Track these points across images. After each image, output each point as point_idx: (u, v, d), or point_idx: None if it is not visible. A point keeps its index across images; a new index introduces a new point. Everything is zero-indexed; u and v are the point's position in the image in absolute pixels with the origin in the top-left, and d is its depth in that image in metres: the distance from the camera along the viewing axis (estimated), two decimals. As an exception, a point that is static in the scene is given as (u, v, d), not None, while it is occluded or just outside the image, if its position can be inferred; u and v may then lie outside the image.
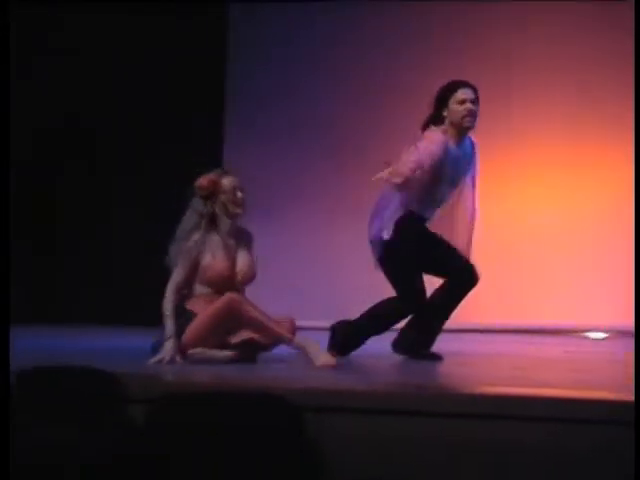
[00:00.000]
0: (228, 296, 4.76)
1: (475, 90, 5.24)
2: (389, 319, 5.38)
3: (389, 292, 5.28)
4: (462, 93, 5.16)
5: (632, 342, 6.88)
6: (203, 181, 4.96)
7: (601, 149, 8.04)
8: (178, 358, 4.70)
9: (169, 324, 4.77)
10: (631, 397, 3.34)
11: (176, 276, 4.89)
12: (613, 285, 7.81)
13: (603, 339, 7.50)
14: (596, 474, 3.01)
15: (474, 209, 5.46)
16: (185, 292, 4.94)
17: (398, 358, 5.23)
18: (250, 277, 5.06)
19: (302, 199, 8.43)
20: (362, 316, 5.34)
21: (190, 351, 4.77)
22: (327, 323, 5.50)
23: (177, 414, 2.13)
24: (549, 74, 8.20)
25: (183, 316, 4.82)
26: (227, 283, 4.92)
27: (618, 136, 7.93)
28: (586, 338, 7.53)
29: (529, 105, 8.15)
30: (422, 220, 5.30)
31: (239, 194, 4.96)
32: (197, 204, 4.97)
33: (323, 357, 4.76)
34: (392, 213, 5.20)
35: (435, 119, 5.20)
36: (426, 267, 5.29)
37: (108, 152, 8.59)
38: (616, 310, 7.73)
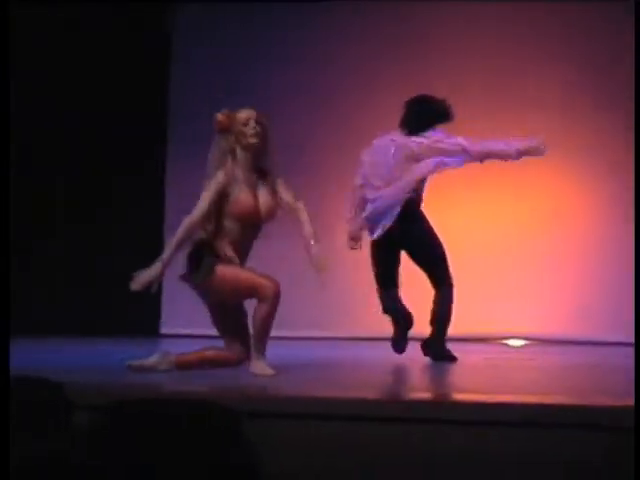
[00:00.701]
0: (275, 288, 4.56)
1: None
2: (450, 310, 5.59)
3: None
4: None
5: (548, 348, 7.01)
6: (220, 116, 4.70)
7: (524, 172, 8.08)
8: (155, 287, 4.61)
9: (168, 250, 4.61)
10: (544, 400, 3.34)
11: (201, 203, 4.59)
12: (531, 295, 7.87)
13: (521, 346, 7.51)
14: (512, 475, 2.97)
15: None
16: (211, 228, 4.66)
17: (332, 365, 5.20)
18: (273, 213, 4.74)
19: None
20: (436, 326, 5.53)
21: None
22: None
23: (116, 422, 2.06)
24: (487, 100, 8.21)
25: (210, 256, 4.58)
26: (254, 218, 4.66)
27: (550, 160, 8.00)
28: (506, 345, 7.56)
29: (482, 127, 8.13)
30: None
31: (253, 124, 4.65)
32: (218, 140, 4.72)
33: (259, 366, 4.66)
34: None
35: None
36: None
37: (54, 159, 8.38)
38: (533, 319, 7.80)
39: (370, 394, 4.04)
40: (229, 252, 4.60)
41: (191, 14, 8.78)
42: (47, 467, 2.05)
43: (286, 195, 4.77)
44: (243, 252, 4.72)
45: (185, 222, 4.59)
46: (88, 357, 5.79)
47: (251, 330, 4.80)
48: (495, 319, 7.82)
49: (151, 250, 8.23)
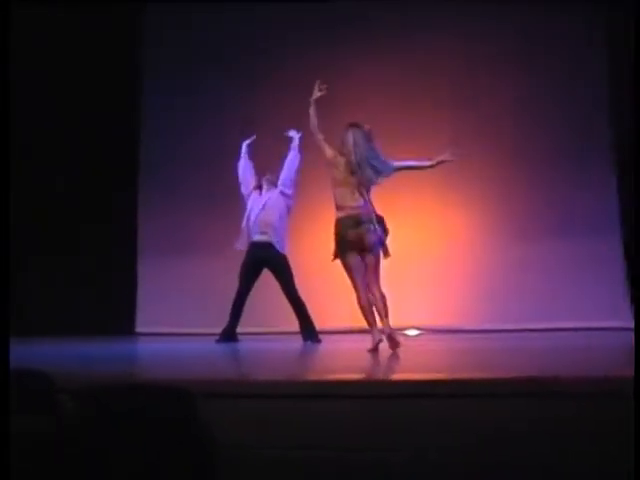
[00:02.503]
0: None
1: None
2: None
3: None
4: None
5: (439, 337, 7.06)
6: None
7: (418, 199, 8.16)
8: None
9: None
10: (433, 376, 3.37)
11: None
12: (424, 294, 7.96)
13: (417, 335, 7.56)
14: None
15: None
16: None
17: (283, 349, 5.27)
18: None
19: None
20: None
21: None
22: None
23: (94, 406, 2.05)
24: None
25: None
26: None
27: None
28: (404, 335, 7.60)
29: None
30: None
31: None
32: None
33: None
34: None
35: None
36: None
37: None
38: (427, 313, 7.88)
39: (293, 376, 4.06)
40: None
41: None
42: (36, 444, 2.05)
43: None
44: None
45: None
46: (69, 352, 5.69)
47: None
48: (396, 313, 7.91)
49: (124, 253, 8.10)
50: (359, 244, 5.05)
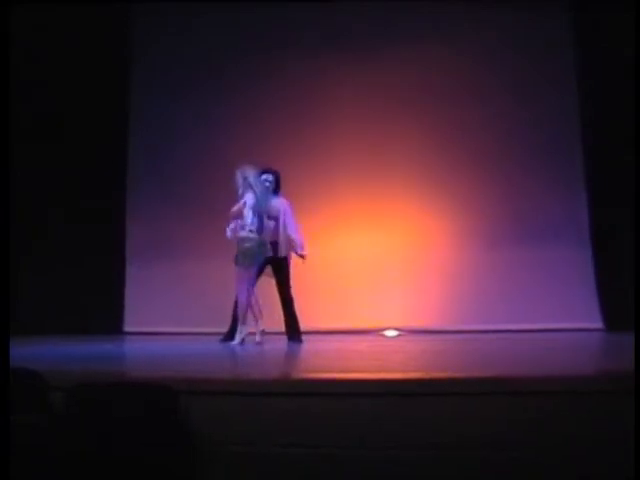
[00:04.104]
0: None
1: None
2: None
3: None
4: None
5: (417, 337, 7.06)
6: None
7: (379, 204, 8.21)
8: None
9: None
10: (406, 375, 3.43)
11: None
12: (402, 297, 8.01)
13: (396, 336, 7.60)
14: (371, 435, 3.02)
15: None
16: None
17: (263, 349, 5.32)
18: None
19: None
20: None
21: None
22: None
23: (82, 401, 2.08)
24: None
25: None
26: None
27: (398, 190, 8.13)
28: (383, 335, 7.65)
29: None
30: None
31: None
32: None
33: None
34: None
35: None
36: None
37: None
38: (405, 314, 7.93)
39: (275, 375, 4.09)
40: None
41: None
42: (29, 436, 2.08)
43: None
44: None
45: None
46: (58, 351, 5.68)
47: None
48: (375, 315, 7.96)
49: (113, 254, 8.07)
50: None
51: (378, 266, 8.10)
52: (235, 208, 6.19)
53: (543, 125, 7.86)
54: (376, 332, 7.73)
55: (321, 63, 8.12)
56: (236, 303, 6.26)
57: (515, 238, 7.81)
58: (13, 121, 6.54)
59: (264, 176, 6.44)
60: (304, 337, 6.43)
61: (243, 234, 6.06)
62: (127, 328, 8.14)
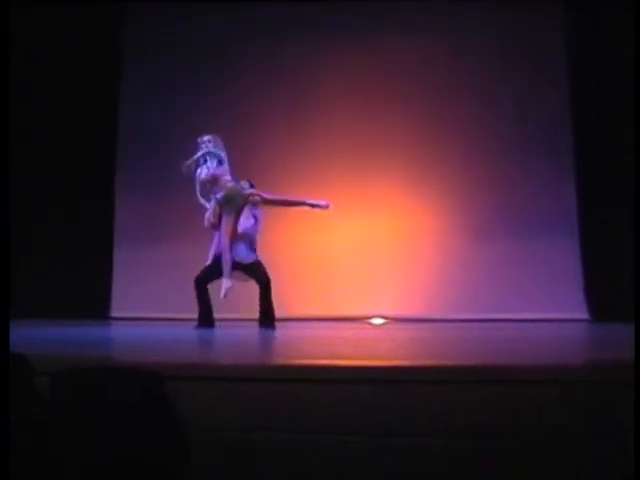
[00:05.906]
0: None
1: None
2: None
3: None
4: None
5: (404, 326, 7.05)
6: None
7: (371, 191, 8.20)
8: None
9: None
10: (399, 362, 3.40)
11: None
12: (389, 286, 8.02)
13: (382, 324, 7.60)
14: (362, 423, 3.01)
15: None
16: None
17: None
18: None
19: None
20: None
21: None
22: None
23: (70, 385, 2.06)
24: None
25: None
26: None
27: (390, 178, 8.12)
28: (370, 323, 7.64)
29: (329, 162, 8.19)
30: None
31: None
32: None
33: None
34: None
35: None
36: None
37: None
38: (392, 303, 7.95)
39: (267, 360, 4.08)
40: None
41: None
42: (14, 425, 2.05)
43: None
44: None
45: None
46: (46, 335, 5.65)
47: None
48: (362, 302, 7.97)
49: (100, 238, 8.02)
50: None
51: (366, 254, 8.10)
52: (204, 176, 6.31)
53: (535, 121, 7.86)
54: (362, 320, 7.73)
55: (319, 55, 8.09)
56: (198, 287, 6.25)
57: (504, 230, 7.84)
58: (13, 121, 6.74)
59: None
60: (289, 324, 6.41)
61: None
62: (114, 313, 8.09)
